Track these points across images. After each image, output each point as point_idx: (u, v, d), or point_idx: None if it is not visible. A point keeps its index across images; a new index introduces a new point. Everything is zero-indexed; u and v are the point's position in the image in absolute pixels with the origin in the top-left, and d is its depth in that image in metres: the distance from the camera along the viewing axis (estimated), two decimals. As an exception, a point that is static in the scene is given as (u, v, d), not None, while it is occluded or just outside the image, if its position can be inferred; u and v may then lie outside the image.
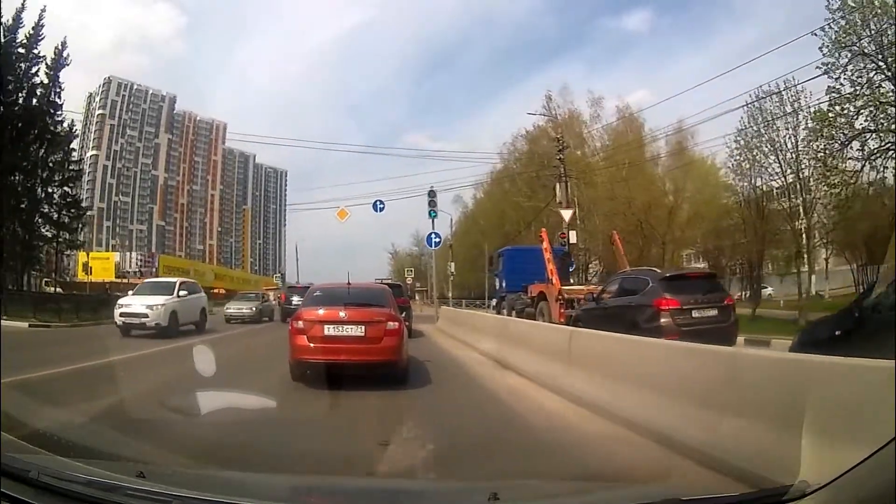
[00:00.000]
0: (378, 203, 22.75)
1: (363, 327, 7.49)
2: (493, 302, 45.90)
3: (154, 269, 46.22)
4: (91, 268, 39.15)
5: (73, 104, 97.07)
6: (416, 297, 55.18)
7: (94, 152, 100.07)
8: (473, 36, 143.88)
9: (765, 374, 3.89)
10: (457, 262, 45.00)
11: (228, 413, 5.12)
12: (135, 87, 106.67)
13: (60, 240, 29.29)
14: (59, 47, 29.66)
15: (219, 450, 4.31)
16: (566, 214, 22.93)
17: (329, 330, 7.48)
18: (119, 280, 46.26)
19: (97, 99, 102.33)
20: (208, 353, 6.54)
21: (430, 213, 23.26)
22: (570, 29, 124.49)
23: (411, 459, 4.52)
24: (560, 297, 15.08)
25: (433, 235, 23.92)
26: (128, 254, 50.63)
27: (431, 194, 23.59)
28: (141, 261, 47.79)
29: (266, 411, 5.57)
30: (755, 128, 22.97)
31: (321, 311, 7.77)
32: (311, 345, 7.46)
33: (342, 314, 7.59)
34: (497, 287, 21.31)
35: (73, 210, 30.11)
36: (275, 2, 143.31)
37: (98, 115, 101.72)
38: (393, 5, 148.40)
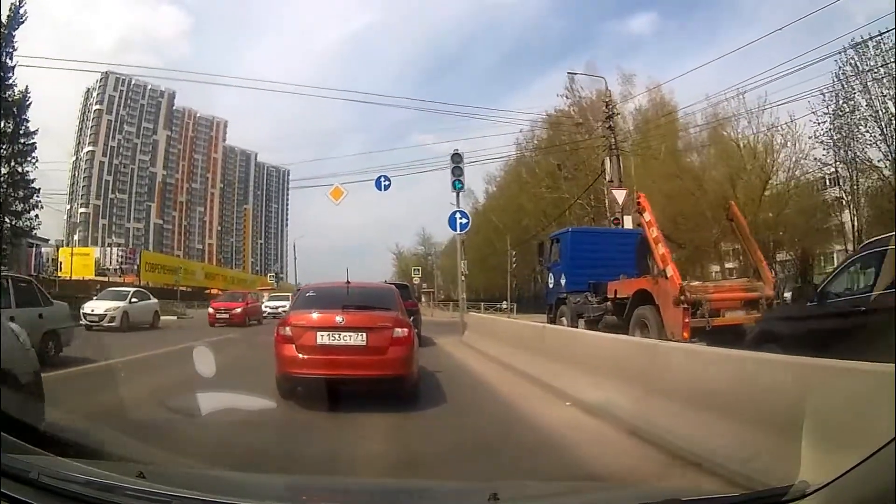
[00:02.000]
0: (382, 179, 17.22)
1: (365, 334, 6.42)
2: (504, 304, 42.83)
3: (135, 266, 42.22)
4: (61, 263, 35.15)
5: (71, 102, 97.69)
6: (423, 299, 51.57)
7: (91, 148, 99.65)
8: (479, 39, 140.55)
9: (765, 377, 3.83)
10: (467, 261, 40.73)
11: (228, 413, 4.96)
12: (133, 82, 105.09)
13: (6, 226, 24.85)
14: (17, 2, 25.70)
15: (219, 450, 4.33)
16: (619, 195, 18.20)
17: (323, 338, 6.40)
18: (102, 278, 42.13)
19: (94, 94, 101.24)
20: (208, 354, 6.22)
21: (454, 184, 16.59)
22: (576, 32, 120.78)
23: (411, 459, 4.64)
24: (683, 298, 9.88)
25: (458, 215, 16.51)
26: (108, 250, 46.53)
27: (456, 158, 16.76)
28: (122, 257, 43.68)
29: (266, 412, 5.42)
30: (849, 87, 18.24)
31: (314, 316, 6.73)
32: (301, 356, 6.39)
33: (339, 319, 6.50)
34: (551, 285, 15.26)
35: (21, 191, 25.73)
36: (280, 4, 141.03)
37: (95, 110, 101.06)
38: (398, 8, 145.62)
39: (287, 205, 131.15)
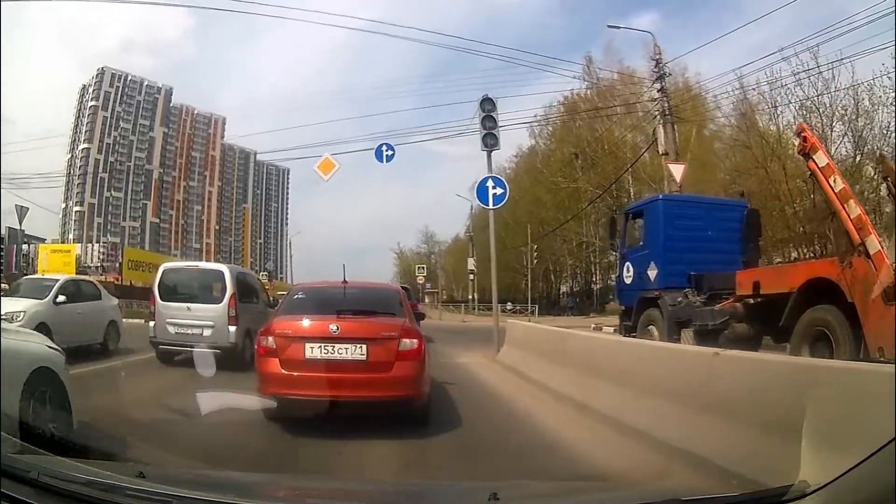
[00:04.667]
0: (384, 148, 13.48)
1: (364, 347, 5.31)
2: (510, 305, 39.63)
3: (118, 264, 39.23)
4: (33, 259, 32.21)
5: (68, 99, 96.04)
6: (427, 300, 48.85)
7: (86, 145, 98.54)
8: (482, 37, 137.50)
9: (765, 378, 3.85)
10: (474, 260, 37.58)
11: (228, 413, 4.88)
12: (129, 78, 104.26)
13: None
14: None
15: (219, 450, 4.29)
16: (676, 171, 14.97)
17: (313, 351, 5.30)
18: (83, 277, 39.07)
19: (90, 90, 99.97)
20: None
21: (484, 141, 12.21)
22: (580, 31, 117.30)
23: (412, 459, 4.57)
24: None
25: (490, 182, 11.97)
26: (89, 246, 43.53)
27: (486, 105, 12.20)
28: (103, 254, 40.70)
29: (266, 411, 5.24)
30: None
31: (303, 323, 5.70)
32: (285, 372, 5.32)
33: (333, 327, 5.39)
34: (628, 279, 11.29)
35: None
36: (283, 4, 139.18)
37: (91, 106, 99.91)
38: (402, 7, 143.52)
39: (287, 204, 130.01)
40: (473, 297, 38.35)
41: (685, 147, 23.77)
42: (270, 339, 5.47)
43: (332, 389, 5.13)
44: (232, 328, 9.48)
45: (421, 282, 39.65)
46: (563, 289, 49.88)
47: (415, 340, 5.48)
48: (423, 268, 41.91)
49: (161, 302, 9.79)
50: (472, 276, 36.32)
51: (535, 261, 34.56)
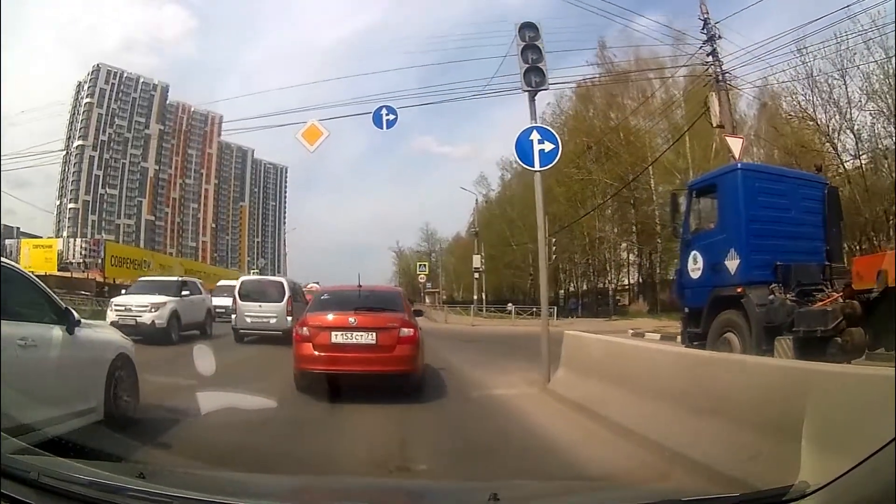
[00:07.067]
0: (384, 112, 11.12)
1: (374, 334, 7.24)
2: (510, 307, 37.41)
3: (100, 260, 36.97)
4: (13, 255, 30.03)
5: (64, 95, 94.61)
6: (427, 300, 46.65)
7: (81, 142, 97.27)
8: (483, 37, 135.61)
9: (766, 380, 3.78)
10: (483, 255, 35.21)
11: (228, 413, 5.00)
12: (125, 74, 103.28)
13: None
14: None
15: (219, 450, 4.32)
16: (735, 145, 12.89)
17: (337, 337, 7.22)
18: (65, 273, 36.83)
19: (85, 87, 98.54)
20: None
21: (526, 78, 8.73)
22: (581, 31, 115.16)
23: (412, 459, 4.64)
24: None
25: (535, 135, 8.28)
26: (71, 241, 41.34)
27: (527, 31, 8.73)
28: (86, 249, 38.53)
29: (266, 411, 5.49)
30: None
31: (329, 317, 7.57)
32: (317, 353, 7.24)
33: (352, 320, 7.32)
34: (695, 273, 9.00)
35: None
36: (284, 4, 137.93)
37: (86, 103, 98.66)
38: (402, 7, 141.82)
39: (284, 202, 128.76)
40: (482, 297, 35.86)
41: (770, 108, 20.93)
42: (305, 329, 7.32)
43: (350, 365, 7.03)
44: (289, 318, 13.68)
45: (422, 280, 37.63)
46: (573, 288, 47.62)
47: (411, 329, 7.37)
48: (424, 266, 39.88)
49: (241, 302, 14.84)
50: (477, 275, 34.05)
51: (554, 256, 31.98)
